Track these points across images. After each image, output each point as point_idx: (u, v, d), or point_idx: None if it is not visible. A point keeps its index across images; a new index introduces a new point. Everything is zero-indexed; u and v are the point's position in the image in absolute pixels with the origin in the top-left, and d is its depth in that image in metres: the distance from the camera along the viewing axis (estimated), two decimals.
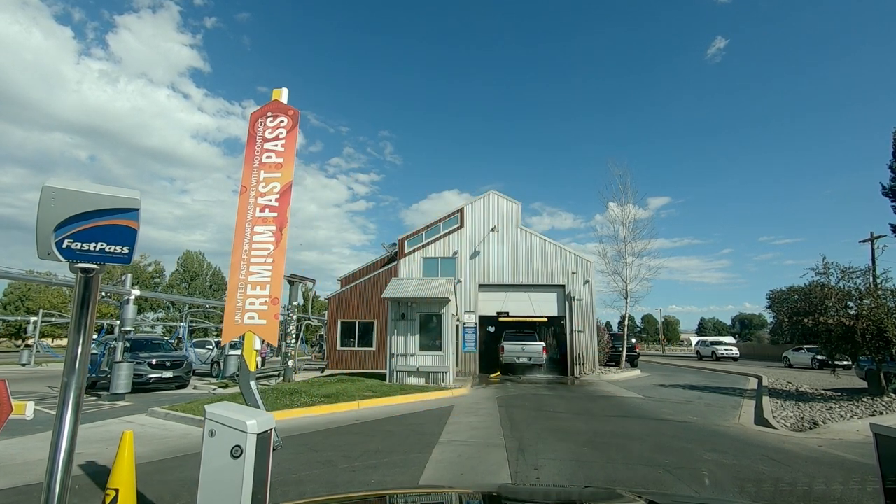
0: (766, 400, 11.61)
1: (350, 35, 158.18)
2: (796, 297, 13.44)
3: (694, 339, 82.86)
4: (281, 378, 16.31)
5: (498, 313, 21.53)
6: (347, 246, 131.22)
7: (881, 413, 9.56)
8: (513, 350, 19.84)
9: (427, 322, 15.06)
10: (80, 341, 1.82)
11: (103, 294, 15.41)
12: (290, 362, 16.26)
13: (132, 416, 9.75)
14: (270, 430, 3.03)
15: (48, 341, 45.45)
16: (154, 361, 14.68)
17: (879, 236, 26.88)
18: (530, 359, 19.69)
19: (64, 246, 1.63)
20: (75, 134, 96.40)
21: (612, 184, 26.54)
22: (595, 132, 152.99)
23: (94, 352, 14.89)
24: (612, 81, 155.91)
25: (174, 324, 40.35)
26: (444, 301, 14.91)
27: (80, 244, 1.64)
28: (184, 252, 63.75)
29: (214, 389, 15.12)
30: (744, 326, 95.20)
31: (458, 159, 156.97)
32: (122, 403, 11.74)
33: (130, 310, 12.89)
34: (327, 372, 20.19)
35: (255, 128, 4.27)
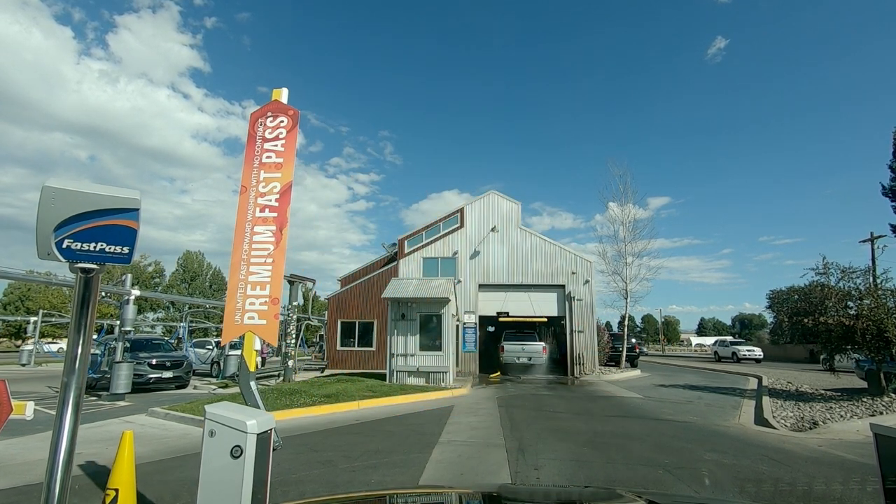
0: (766, 400, 11.61)
1: (350, 35, 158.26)
2: (796, 297, 13.44)
3: (695, 340, 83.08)
4: (281, 378, 16.31)
5: (498, 313, 21.53)
6: (347, 246, 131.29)
7: (881, 413, 9.56)
8: (513, 350, 19.84)
9: (427, 322, 15.06)
10: (80, 341, 1.82)
11: (103, 294, 15.42)
12: (290, 362, 16.26)
13: (132, 416, 9.75)
14: (270, 430, 3.03)
15: (48, 342, 45.44)
16: (154, 361, 14.68)
17: (879, 236, 26.89)
18: (530, 359, 19.69)
19: (64, 246, 1.63)
20: (75, 134, 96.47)
21: (612, 184, 26.57)
22: (595, 132, 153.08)
23: (95, 352, 14.89)
24: (613, 81, 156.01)
25: (174, 324, 40.35)
26: (444, 301, 14.91)
27: (80, 244, 1.64)
28: (184, 252, 63.77)
29: (214, 389, 15.12)
30: (744, 326, 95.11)
31: (458, 159, 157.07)
32: (122, 403, 11.74)
33: (130, 310, 12.89)
34: (327, 372, 20.19)
35: (255, 128, 4.27)
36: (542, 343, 20.31)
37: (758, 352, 33.15)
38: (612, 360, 24.63)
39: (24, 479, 5.35)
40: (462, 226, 22.08)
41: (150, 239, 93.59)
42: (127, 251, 1.74)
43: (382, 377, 15.22)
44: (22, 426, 7.77)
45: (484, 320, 22.28)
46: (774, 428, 8.77)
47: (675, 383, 17.10)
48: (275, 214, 4.05)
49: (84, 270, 1.72)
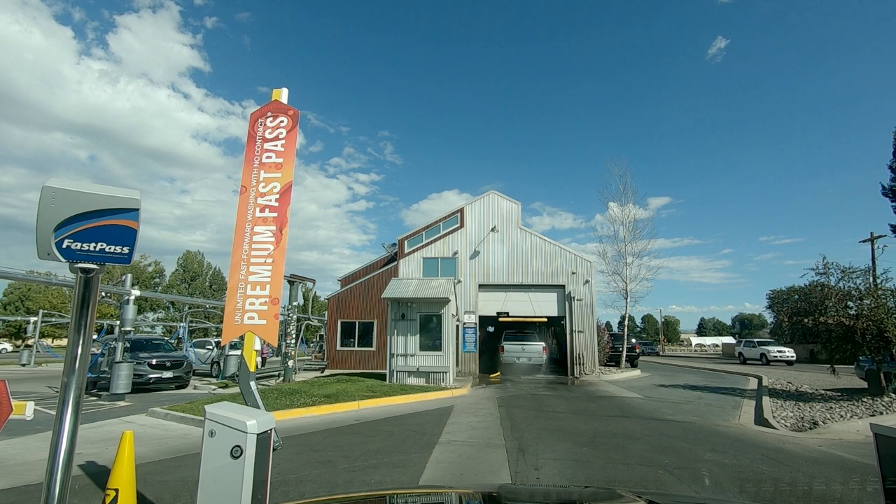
0: (766, 400, 11.61)
1: (350, 35, 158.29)
2: (796, 297, 13.45)
3: (694, 340, 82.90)
4: (281, 378, 16.31)
5: (498, 313, 21.53)
6: (347, 246, 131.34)
7: (881, 413, 9.56)
8: (513, 350, 19.84)
9: (427, 322, 15.06)
10: (80, 341, 1.82)
11: (103, 294, 15.42)
12: (290, 362, 16.26)
13: (132, 417, 9.75)
14: (270, 430, 3.03)
15: (48, 341, 45.46)
16: (154, 361, 14.68)
17: (879, 236, 26.91)
18: (530, 359, 19.69)
19: (64, 246, 1.63)
20: (75, 134, 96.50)
21: (613, 183, 26.58)
22: (595, 132, 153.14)
23: (95, 352, 14.90)
24: (613, 81, 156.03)
25: (174, 324, 40.33)
26: (444, 301, 14.91)
27: (80, 244, 1.65)
28: (184, 252, 63.76)
29: (214, 389, 15.12)
30: (744, 326, 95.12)
31: (458, 159, 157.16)
32: (122, 403, 11.74)
33: (130, 310, 12.88)
34: (327, 372, 20.19)
35: (254, 128, 4.27)
36: (542, 343, 20.31)
37: (789, 353, 28.83)
38: (612, 360, 24.63)
39: (25, 479, 5.35)
40: (462, 226, 22.07)
41: (150, 239, 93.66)
42: (127, 251, 1.74)
43: (382, 377, 15.22)
44: (22, 426, 7.77)
45: (484, 320, 22.27)
46: (774, 428, 8.76)
47: (675, 383, 17.10)
48: (275, 214, 4.04)
49: (84, 270, 1.72)
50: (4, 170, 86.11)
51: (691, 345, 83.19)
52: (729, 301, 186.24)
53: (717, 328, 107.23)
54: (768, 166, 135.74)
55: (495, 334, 23.36)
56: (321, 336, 30.06)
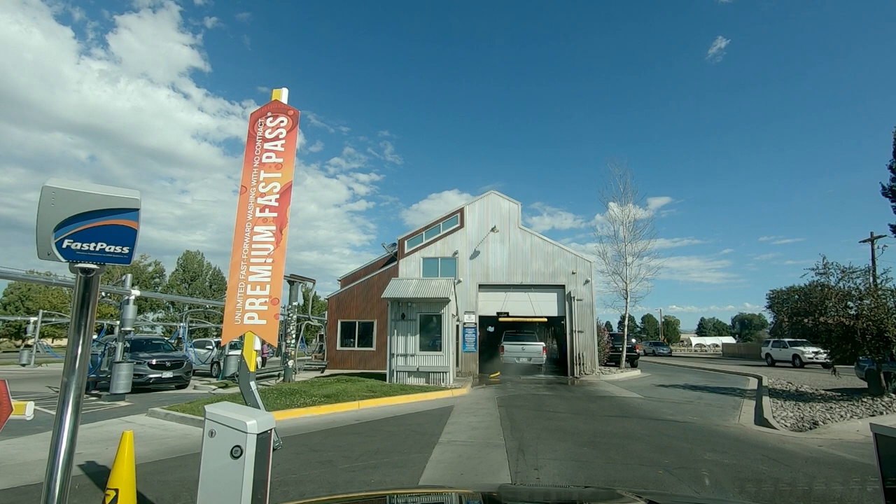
0: (766, 400, 11.61)
1: (350, 35, 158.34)
2: (796, 297, 13.43)
3: (694, 340, 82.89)
4: (281, 378, 16.31)
5: (498, 313, 21.53)
6: (347, 246, 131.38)
7: (881, 413, 9.56)
8: (513, 350, 19.84)
9: (427, 322, 15.06)
10: (81, 341, 1.82)
11: (103, 294, 15.42)
12: (290, 362, 16.26)
13: (132, 417, 9.75)
14: (270, 430, 3.03)
15: (48, 341, 45.46)
16: (154, 361, 14.68)
17: (879, 236, 26.88)
18: (530, 359, 19.69)
19: (64, 246, 1.63)
20: (75, 134, 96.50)
21: (613, 184, 26.57)
22: (595, 132, 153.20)
23: (95, 352, 14.89)
24: (613, 81, 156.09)
25: (174, 324, 40.33)
26: (444, 301, 14.91)
27: (80, 244, 1.65)
28: (184, 252, 63.74)
29: (214, 389, 15.12)
30: (744, 326, 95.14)
31: (458, 159, 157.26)
32: (122, 403, 11.74)
33: (130, 310, 12.88)
34: (327, 372, 20.19)
35: (254, 128, 4.27)
36: (542, 343, 20.32)
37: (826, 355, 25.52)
38: (612, 360, 24.62)
39: (24, 479, 5.35)
40: (462, 226, 22.07)
41: (150, 239, 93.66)
42: (127, 251, 1.74)
43: (382, 377, 15.22)
44: (22, 426, 7.78)
45: (484, 320, 22.27)
46: (774, 428, 8.76)
47: (675, 383, 17.10)
48: (275, 214, 4.04)
49: (84, 270, 1.72)
50: (4, 170, 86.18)
51: (691, 345, 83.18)
52: (729, 301, 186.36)
53: (717, 328, 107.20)
54: (768, 166, 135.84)
55: (495, 334, 23.37)
56: (321, 336, 30.07)
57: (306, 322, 26.13)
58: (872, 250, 26.67)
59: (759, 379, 17.93)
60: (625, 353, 23.61)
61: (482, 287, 21.45)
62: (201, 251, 64.71)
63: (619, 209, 24.54)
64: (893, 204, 27.20)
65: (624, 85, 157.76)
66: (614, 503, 2.15)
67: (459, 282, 20.85)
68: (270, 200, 4.07)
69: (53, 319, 37.35)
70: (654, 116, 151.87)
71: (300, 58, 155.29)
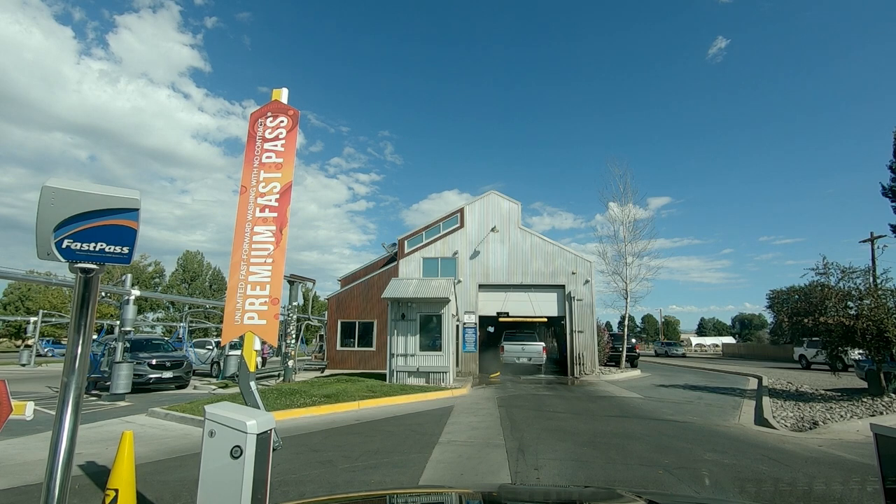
0: (766, 400, 11.61)
1: (350, 35, 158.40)
2: (796, 297, 13.43)
3: (694, 340, 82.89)
4: (281, 378, 16.31)
5: (498, 313, 21.53)
6: (347, 246, 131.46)
7: (881, 413, 9.55)
8: (513, 350, 19.84)
9: (427, 322, 15.06)
10: (80, 341, 1.82)
11: (103, 294, 15.42)
12: (290, 362, 16.26)
13: (132, 417, 9.74)
14: (270, 430, 3.03)
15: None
16: (154, 362, 14.68)
17: (879, 236, 26.87)
18: (530, 359, 19.69)
19: (64, 246, 1.63)
20: (75, 134, 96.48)
21: (613, 184, 26.58)
22: (595, 132, 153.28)
23: (95, 352, 14.89)
24: (613, 82, 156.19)
25: (174, 324, 40.33)
26: (444, 301, 14.91)
27: (79, 244, 1.65)
28: (184, 252, 63.75)
29: (214, 390, 15.12)
30: (744, 326, 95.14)
31: (458, 159, 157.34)
32: (122, 403, 11.74)
33: (130, 310, 12.88)
34: (327, 372, 20.19)
35: (254, 128, 4.27)
36: (542, 343, 20.31)
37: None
38: (612, 361, 24.62)
39: (24, 479, 5.35)
40: (462, 226, 22.07)
41: (150, 239, 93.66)
42: (127, 251, 1.74)
43: (382, 377, 15.21)
44: (22, 426, 7.77)
45: (484, 320, 22.27)
46: (774, 428, 8.76)
47: (674, 383, 17.10)
48: (275, 214, 4.04)
49: (84, 270, 1.72)
50: (4, 170, 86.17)
51: (691, 345, 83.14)
52: (729, 301, 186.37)
53: (717, 328, 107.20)
54: (768, 166, 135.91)
55: (495, 334, 23.36)
56: (321, 336, 30.06)
57: (306, 322, 26.13)
58: (872, 250, 26.69)
59: (759, 379, 17.94)
60: (625, 353, 23.61)
61: (482, 287, 21.45)
62: (201, 251, 64.76)
63: (619, 209, 24.56)
64: (893, 204, 27.20)
65: (624, 85, 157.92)
66: (614, 503, 2.15)
67: (459, 282, 20.85)
68: (270, 200, 4.07)
69: (53, 319, 37.35)
70: (655, 116, 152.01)
71: (300, 58, 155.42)
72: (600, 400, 12.54)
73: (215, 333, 34.20)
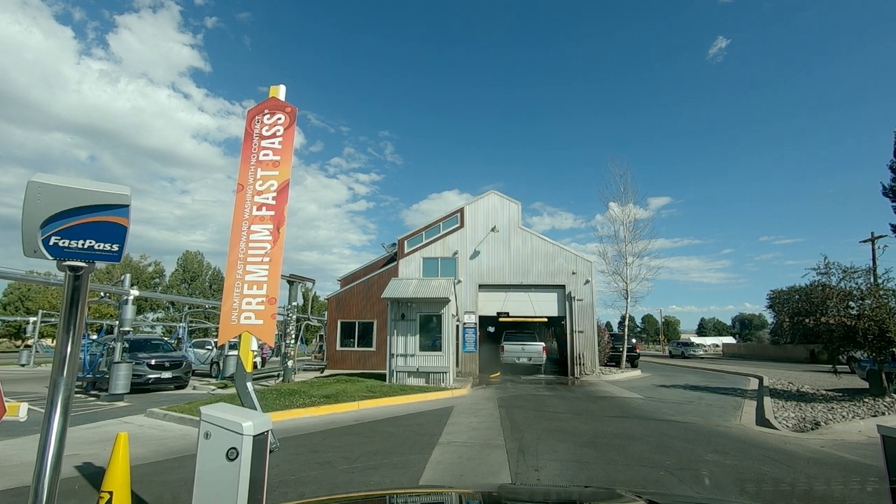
0: (767, 400, 11.56)
1: (351, 36, 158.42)
2: (797, 297, 13.38)
3: (695, 340, 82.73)
4: (280, 378, 16.27)
5: (498, 313, 21.48)
6: (348, 246, 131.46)
7: (883, 413, 9.50)
8: (513, 350, 19.79)
9: (427, 322, 15.01)
10: (70, 341, 1.78)
11: (102, 294, 15.35)
12: (290, 362, 16.22)
13: (130, 417, 9.70)
14: (267, 431, 2.99)
15: (48, 342, 45.42)
16: (153, 362, 14.64)
17: (880, 236, 26.83)
18: (530, 359, 19.64)
19: (51, 243, 1.58)
20: (75, 134, 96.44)
21: (613, 184, 26.54)
22: (596, 132, 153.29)
23: (94, 352, 14.85)
24: (613, 82, 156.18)
25: (174, 324, 40.28)
26: (444, 301, 14.86)
27: (67, 241, 1.60)
28: (183, 252, 63.72)
29: (213, 390, 15.07)
30: (744, 326, 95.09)
31: (458, 159, 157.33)
32: (120, 404, 11.70)
33: (129, 310, 12.84)
34: (327, 372, 20.14)
35: (251, 125, 4.22)
36: (542, 343, 20.27)
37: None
38: (612, 361, 24.58)
39: (22, 480, 5.30)
40: (462, 226, 22.03)
41: (150, 239, 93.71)
42: (116, 249, 1.69)
43: (382, 377, 15.17)
44: (20, 427, 7.73)
45: (484, 320, 22.22)
46: (776, 429, 8.72)
47: (675, 383, 17.05)
48: (272, 213, 3.99)
49: (72, 269, 1.67)
50: (4, 170, 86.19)
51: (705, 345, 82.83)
52: (729, 301, 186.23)
53: (717, 328, 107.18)
54: (768, 166, 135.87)
55: (495, 334, 23.31)
56: (321, 336, 30.02)
57: (306, 322, 26.09)
58: (873, 250, 26.65)
59: (760, 379, 17.89)
60: (625, 354, 23.56)
61: (482, 287, 21.40)
62: (201, 251, 64.77)
63: (619, 209, 24.51)
64: (894, 204, 27.14)
65: (624, 85, 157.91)
66: (614, 503, 2.13)
67: (459, 282, 20.81)
68: (268, 199, 4.02)
69: (53, 319, 37.26)
70: (655, 116, 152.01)
71: (300, 58, 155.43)
72: (601, 400, 12.49)
73: (215, 334, 34.16)
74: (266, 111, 4.23)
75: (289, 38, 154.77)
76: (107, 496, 3.10)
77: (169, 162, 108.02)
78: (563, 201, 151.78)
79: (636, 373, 21.51)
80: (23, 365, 25.05)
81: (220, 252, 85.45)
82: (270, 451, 3.06)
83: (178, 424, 8.74)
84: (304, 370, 21.89)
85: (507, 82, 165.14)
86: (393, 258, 24.46)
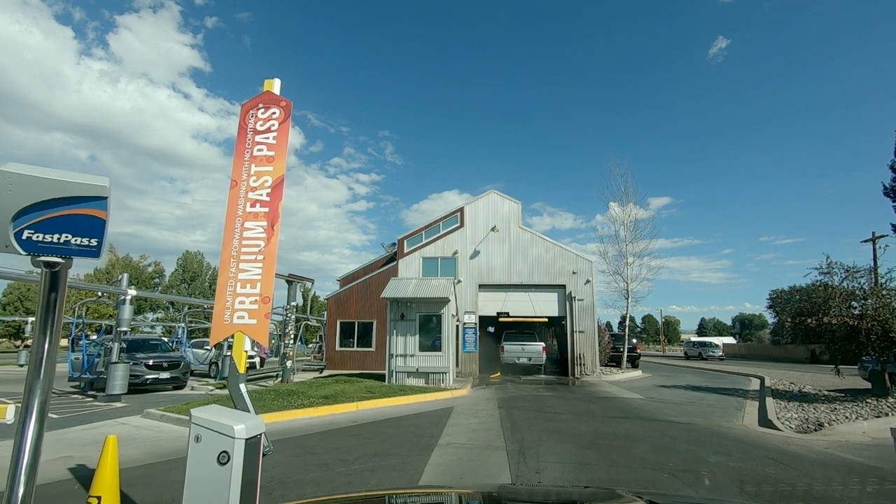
0: (769, 401, 11.47)
1: (351, 36, 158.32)
2: (798, 297, 13.29)
3: (695, 340, 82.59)
4: (279, 379, 16.17)
5: (498, 313, 21.38)
6: (348, 246, 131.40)
7: (886, 414, 9.41)
8: (513, 350, 19.69)
9: (427, 322, 14.91)
10: (47, 342, 1.68)
11: (100, 294, 15.24)
12: (289, 363, 16.12)
13: (127, 418, 9.60)
14: (260, 434, 2.89)
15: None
16: (151, 362, 14.53)
17: (881, 236, 26.67)
18: (530, 359, 19.55)
19: (24, 237, 1.49)
20: (75, 134, 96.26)
21: (614, 183, 26.41)
22: (596, 132, 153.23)
23: (91, 352, 14.75)
24: (613, 82, 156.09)
25: (174, 324, 40.17)
26: (444, 301, 14.76)
27: (41, 235, 1.51)
28: (183, 252, 63.60)
29: (212, 390, 14.96)
30: (744, 327, 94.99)
31: (458, 160, 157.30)
32: (117, 404, 11.60)
33: (127, 310, 12.74)
34: (326, 372, 20.04)
35: (245, 120, 4.11)
36: (542, 343, 20.17)
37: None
38: (612, 361, 24.48)
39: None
40: (462, 225, 21.93)
41: (150, 239, 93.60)
42: (95, 244, 1.60)
43: (381, 378, 15.07)
44: (9, 430, 7.63)
45: (484, 320, 22.12)
46: (779, 429, 8.63)
47: (676, 384, 16.96)
48: (266, 209, 3.87)
49: (48, 264, 1.57)
50: None
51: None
52: (729, 301, 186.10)
53: (717, 328, 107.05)
54: (768, 166, 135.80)
55: (495, 334, 23.21)
56: (320, 336, 29.93)
57: (305, 322, 25.99)
58: (874, 250, 26.50)
59: (762, 379, 17.80)
60: (626, 354, 23.47)
61: (482, 287, 21.30)
62: (201, 251, 64.58)
63: (619, 209, 24.42)
64: (895, 203, 27.03)
65: (624, 85, 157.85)
66: (614, 503, 2.11)
67: (459, 282, 20.71)
68: (262, 195, 3.90)
69: None
70: (655, 116, 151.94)
71: (300, 58, 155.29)
72: (602, 401, 12.39)
73: None
74: (260, 105, 4.12)
75: (289, 38, 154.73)
76: (95, 501, 3.01)
77: (169, 162, 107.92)
78: (563, 201, 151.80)
79: (637, 373, 21.41)
80: (21, 365, 24.96)
81: (219, 252, 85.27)
82: (263, 455, 2.97)
83: (174, 425, 8.64)
84: (304, 370, 21.79)
85: (507, 82, 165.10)
86: (392, 258, 24.36)
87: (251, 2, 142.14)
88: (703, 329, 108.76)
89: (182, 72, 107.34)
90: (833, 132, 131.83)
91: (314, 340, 35.29)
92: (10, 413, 2.69)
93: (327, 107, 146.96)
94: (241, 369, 3.80)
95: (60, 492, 4.80)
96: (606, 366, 23.42)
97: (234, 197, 3.86)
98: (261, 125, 4.04)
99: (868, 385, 12.95)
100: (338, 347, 21.98)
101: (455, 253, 21.61)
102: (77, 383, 14.96)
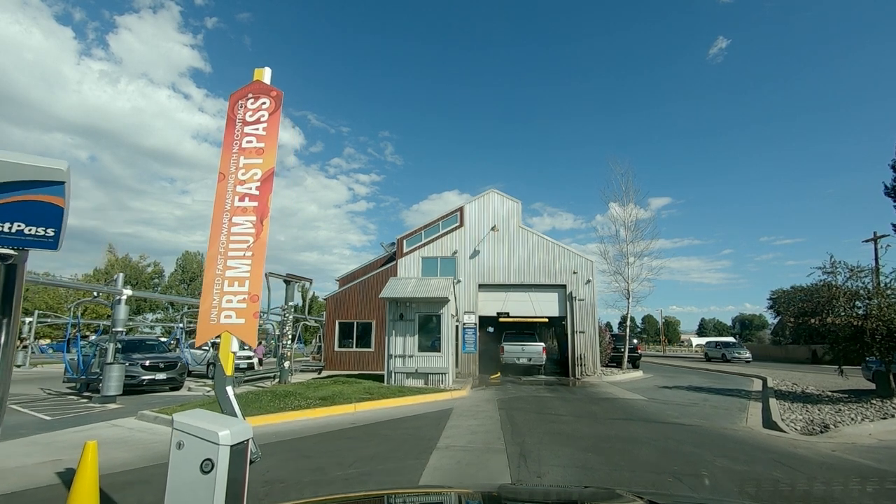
0: (772, 402, 11.32)
1: (351, 36, 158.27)
2: (799, 297, 13.14)
3: (695, 340, 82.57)
4: (277, 380, 16.02)
5: (498, 313, 21.22)
6: (347, 246, 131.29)
7: (892, 416, 9.25)
8: (513, 351, 19.55)
9: (426, 322, 14.76)
10: (2, 339, 1.53)
11: (95, 294, 15.07)
12: (286, 363, 15.96)
13: (121, 420, 9.44)
14: (247, 440, 2.74)
15: (44, 341, 45.19)
16: (147, 363, 14.38)
17: (883, 236, 26.53)
18: (530, 360, 19.40)
19: None
20: (75, 134, 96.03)
21: (614, 183, 26.27)
22: (596, 132, 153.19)
23: (87, 353, 14.60)
24: (613, 82, 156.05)
25: (173, 324, 40.01)
26: (444, 301, 14.61)
27: None
28: (183, 252, 63.46)
29: (209, 392, 14.81)
30: (744, 327, 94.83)
31: (458, 160, 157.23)
32: (112, 406, 11.45)
33: (122, 310, 12.58)
34: (325, 373, 19.89)
35: (234, 110, 3.95)
36: (542, 344, 20.02)
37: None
38: (613, 361, 24.32)
39: (1, 487, 5.05)
40: (462, 225, 21.77)
41: (150, 239, 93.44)
42: (52, 234, 1.44)
43: (380, 378, 14.91)
44: (6, 431, 7.48)
45: (484, 321, 21.96)
46: (784, 431, 8.47)
47: (678, 384, 16.80)
48: (255, 204, 3.72)
49: (0, 257, 1.42)
50: None
51: (692, 345, 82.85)
52: (729, 301, 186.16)
53: (717, 328, 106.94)
54: (768, 166, 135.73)
55: (495, 335, 23.06)
56: (319, 337, 29.77)
57: (304, 322, 25.83)
58: (875, 250, 26.35)
59: (764, 380, 17.64)
60: (626, 354, 23.31)
61: (482, 287, 21.14)
62: (201, 252, 64.43)
63: (620, 209, 24.25)
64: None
65: (625, 85, 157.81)
66: (614, 503, 2.07)
67: (459, 281, 20.55)
68: (251, 189, 3.74)
69: (49, 320, 37.03)
70: (655, 117, 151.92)
71: (301, 58, 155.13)
72: (603, 402, 12.24)
73: None
74: (250, 95, 3.97)
75: (289, 38, 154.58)
76: None
77: (169, 162, 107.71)
78: (564, 201, 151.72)
79: (638, 374, 21.25)
80: (18, 366, 24.82)
81: None
82: (251, 462, 2.82)
83: (168, 427, 8.47)
84: (302, 371, 21.64)
85: (507, 82, 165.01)
86: (392, 258, 24.20)
87: (251, 2, 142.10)
88: (703, 329, 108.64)
89: (182, 72, 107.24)
90: (833, 132, 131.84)
91: (314, 341, 35.15)
92: None
93: (327, 107, 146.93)
94: (229, 371, 3.65)
95: (45, 498, 4.65)
96: (607, 366, 23.26)
97: (222, 191, 3.71)
98: (250, 116, 3.89)
99: (872, 386, 12.80)
100: (336, 348, 21.81)
101: (455, 253, 21.45)
102: (73, 384, 14.80)
